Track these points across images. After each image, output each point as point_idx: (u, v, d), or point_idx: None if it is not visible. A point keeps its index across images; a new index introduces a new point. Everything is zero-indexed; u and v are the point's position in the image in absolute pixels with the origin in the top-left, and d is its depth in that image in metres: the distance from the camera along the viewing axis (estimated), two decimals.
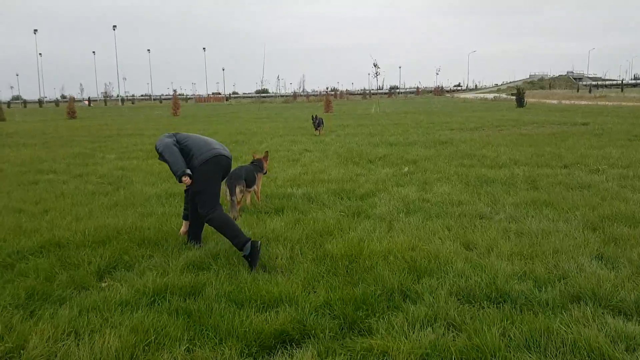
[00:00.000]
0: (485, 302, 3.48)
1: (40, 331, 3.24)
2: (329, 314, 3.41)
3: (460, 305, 3.42)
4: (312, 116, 17.73)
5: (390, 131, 17.42)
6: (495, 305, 3.43)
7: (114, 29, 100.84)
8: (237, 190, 6.19)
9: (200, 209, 4.79)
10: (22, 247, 5.01)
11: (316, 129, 17.11)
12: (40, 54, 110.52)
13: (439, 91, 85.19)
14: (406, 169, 9.23)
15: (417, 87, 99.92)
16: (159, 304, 3.70)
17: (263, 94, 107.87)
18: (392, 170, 9.17)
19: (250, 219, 6.05)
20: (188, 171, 4.67)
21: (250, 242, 4.47)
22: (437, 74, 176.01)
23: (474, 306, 3.43)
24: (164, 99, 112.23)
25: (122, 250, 4.89)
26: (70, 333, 3.26)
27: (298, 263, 4.47)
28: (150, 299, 3.81)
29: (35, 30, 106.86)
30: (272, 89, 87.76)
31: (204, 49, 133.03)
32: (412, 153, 11.31)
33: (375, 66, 36.99)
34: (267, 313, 3.44)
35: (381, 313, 3.38)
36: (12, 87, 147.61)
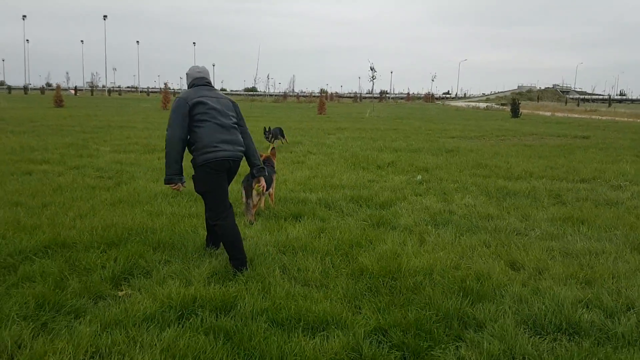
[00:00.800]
0: (556, 333, 3.14)
1: (58, 351, 2.82)
2: (387, 342, 3.04)
3: (531, 338, 3.08)
4: (265, 128, 13.88)
5: (391, 136, 17.11)
6: (568, 338, 3.10)
7: (104, 19, 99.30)
8: (254, 193, 5.80)
9: (207, 212, 4.41)
10: (24, 246, 4.55)
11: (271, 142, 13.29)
12: (27, 40, 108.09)
13: (430, 98, 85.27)
14: (419, 177, 8.90)
15: (408, 93, 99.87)
16: (189, 320, 3.30)
17: (252, 93, 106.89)
18: (405, 178, 8.84)
19: (268, 224, 5.66)
20: (175, 179, 4.21)
21: (245, 268, 4.23)
22: (433, 80, 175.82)
23: (545, 339, 3.09)
24: (151, 92, 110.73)
25: (136, 253, 4.46)
26: (94, 355, 2.84)
27: (332, 278, 4.10)
28: (177, 313, 3.40)
29: (24, 17, 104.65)
30: (261, 88, 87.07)
31: (194, 43, 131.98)
32: (421, 160, 11.00)
33: (372, 69, 36.58)
34: (317, 338, 3.06)
35: (445, 343, 3.03)
36: None
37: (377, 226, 5.65)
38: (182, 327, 3.19)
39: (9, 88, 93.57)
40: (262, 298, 3.65)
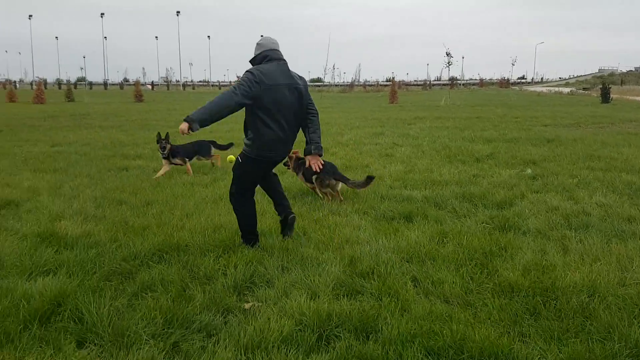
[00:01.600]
0: None
1: None
2: None
3: None
4: (158, 135, 7.93)
5: (478, 125, 16.16)
6: None
7: (177, 15, 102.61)
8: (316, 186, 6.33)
9: (231, 186, 4.59)
10: (138, 250, 4.38)
11: (170, 161, 7.96)
12: (105, 37, 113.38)
13: (505, 83, 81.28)
14: (529, 170, 8.15)
15: (480, 79, 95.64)
16: (331, 344, 2.92)
17: (318, 84, 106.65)
18: (512, 172, 8.10)
19: (379, 226, 5.23)
20: (195, 126, 4.00)
21: (255, 243, 4.52)
22: (513, 64, 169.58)
23: None
24: (222, 85, 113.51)
25: (254, 259, 4.16)
26: None
27: (475, 294, 3.59)
28: (315, 333, 3.03)
29: (102, 14, 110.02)
30: (327, 79, 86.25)
31: (262, 36, 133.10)
32: (522, 151, 10.17)
33: (448, 55, 35.02)
34: None
35: None
36: (82, 68, 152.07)
37: (503, 230, 5.06)
38: (327, 352, 2.82)
39: (90, 84, 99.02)
40: (403, 318, 3.21)
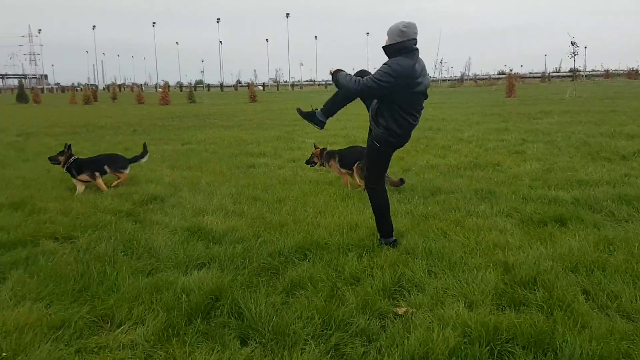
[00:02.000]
0: None
1: None
2: None
3: None
4: (65, 147, 6.97)
5: (615, 120, 14.63)
6: None
7: (287, 17, 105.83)
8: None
9: (367, 175, 4.64)
10: (282, 246, 4.39)
11: (76, 177, 6.90)
12: (220, 41, 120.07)
13: (634, 74, 73.26)
14: None
15: (606, 70, 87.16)
16: None
17: None
18: None
19: (532, 230, 4.81)
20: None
21: (393, 240, 4.46)
22: None
23: None
24: (328, 84, 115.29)
25: (399, 261, 3.99)
26: None
27: None
28: (485, 347, 2.78)
29: (218, 20, 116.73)
30: (436, 74, 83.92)
31: (367, 33, 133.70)
32: None
33: (573, 44, 32.11)
34: None
35: None
36: (202, 72, 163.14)
37: None
38: None
39: (208, 86, 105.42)
40: (583, 335, 2.84)
